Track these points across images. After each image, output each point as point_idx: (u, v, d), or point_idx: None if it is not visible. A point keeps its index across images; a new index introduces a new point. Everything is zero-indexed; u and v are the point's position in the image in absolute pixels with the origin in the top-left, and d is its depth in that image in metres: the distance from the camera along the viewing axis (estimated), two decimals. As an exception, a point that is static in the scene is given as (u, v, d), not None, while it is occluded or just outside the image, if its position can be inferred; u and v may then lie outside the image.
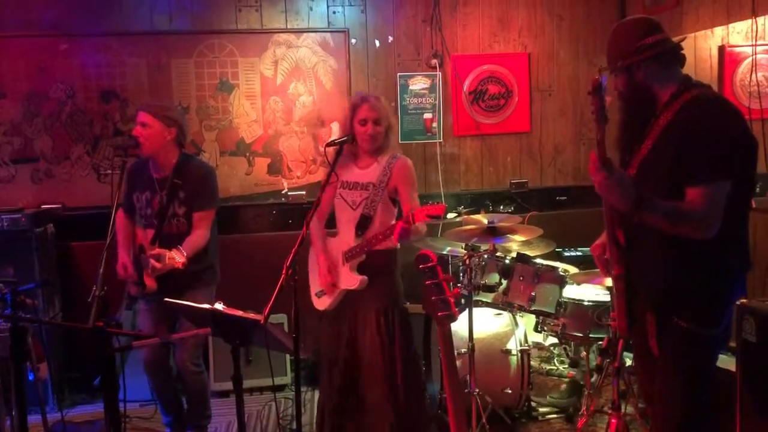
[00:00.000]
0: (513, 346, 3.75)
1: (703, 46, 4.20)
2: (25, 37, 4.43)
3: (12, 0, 4.39)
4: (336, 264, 3.13)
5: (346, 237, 3.12)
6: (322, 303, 3.19)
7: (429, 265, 2.11)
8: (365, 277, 3.04)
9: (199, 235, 3.38)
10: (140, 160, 3.50)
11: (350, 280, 3.06)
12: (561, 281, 3.76)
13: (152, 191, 3.43)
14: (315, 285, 3.22)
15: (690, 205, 2.13)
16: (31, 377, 3.12)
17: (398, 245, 3.12)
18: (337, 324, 3.17)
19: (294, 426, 3.66)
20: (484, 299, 3.92)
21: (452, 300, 2.10)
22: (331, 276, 3.11)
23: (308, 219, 2.71)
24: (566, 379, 4.23)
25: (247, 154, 4.75)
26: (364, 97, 3.13)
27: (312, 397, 4.31)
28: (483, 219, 3.91)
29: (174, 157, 3.44)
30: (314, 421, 3.65)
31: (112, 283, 3.28)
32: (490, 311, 3.94)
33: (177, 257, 3.14)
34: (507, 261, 3.88)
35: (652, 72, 2.28)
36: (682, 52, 2.33)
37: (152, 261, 3.15)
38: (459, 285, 3.70)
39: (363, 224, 3.05)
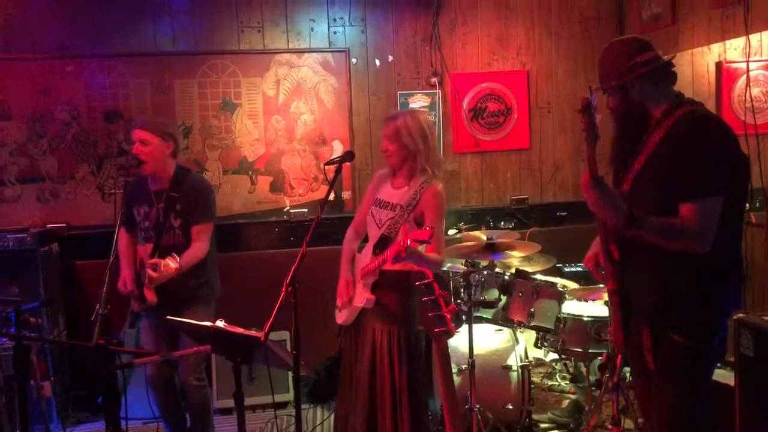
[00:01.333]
0: (513, 361, 3.76)
1: (701, 62, 4.25)
2: (31, 59, 4.50)
3: (18, 23, 4.47)
4: (356, 280, 3.15)
5: (366, 255, 3.13)
6: (340, 317, 3.22)
7: (425, 282, 2.15)
8: (373, 297, 3.04)
9: (198, 248, 3.40)
10: (140, 176, 3.52)
11: (360, 297, 3.08)
12: (560, 297, 3.78)
13: (149, 204, 3.47)
14: (339, 299, 3.25)
15: (683, 221, 2.17)
16: (34, 396, 3.15)
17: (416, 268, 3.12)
18: (353, 339, 3.19)
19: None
20: (484, 315, 3.94)
21: (448, 316, 2.13)
22: (347, 292, 3.14)
23: (307, 238, 2.74)
24: (568, 395, 4.24)
25: (250, 173, 4.80)
26: (392, 115, 3.13)
27: (314, 415, 4.32)
28: (482, 235, 3.94)
29: (171, 169, 3.47)
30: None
31: (116, 301, 3.33)
32: (491, 327, 3.95)
33: (171, 263, 3.16)
34: (506, 277, 3.90)
35: (645, 89, 2.31)
36: (674, 69, 2.38)
37: (149, 271, 3.18)
38: (459, 301, 3.72)
39: (381, 244, 3.03)
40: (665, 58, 2.37)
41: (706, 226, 2.15)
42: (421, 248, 2.90)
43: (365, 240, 3.25)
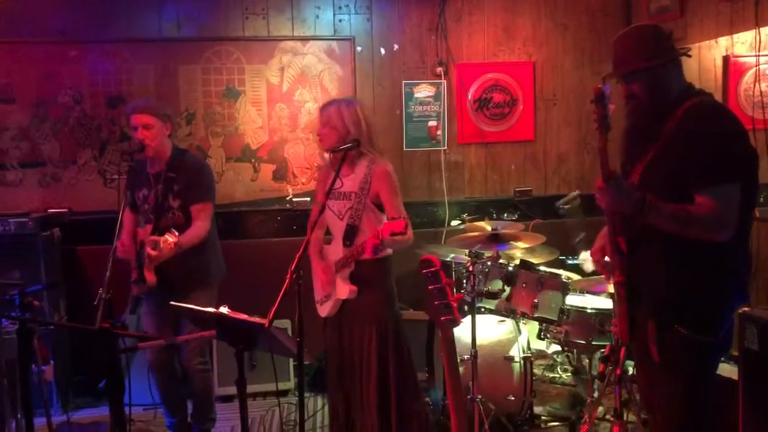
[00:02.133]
0: (516, 353, 3.76)
1: (708, 56, 4.22)
2: (35, 43, 4.48)
3: (22, 7, 4.44)
4: (332, 273, 3.16)
5: (336, 247, 3.16)
6: (323, 310, 3.23)
7: (432, 270, 2.13)
8: (355, 288, 3.07)
9: (199, 227, 3.39)
10: (139, 160, 3.50)
11: (342, 290, 3.09)
12: (564, 288, 3.77)
13: (148, 187, 3.47)
14: (318, 292, 3.25)
15: (700, 208, 2.14)
16: (35, 381, 3.14)
17: (390, 252, 3.14)
18: (338, 331, 3.20)
19: (297, 431, 3.68)
20: (487, 306, 3.93)
21: (455, 305, 2.11)
22: (327, 276, 3.16)
23: (311, 223, 2.74)
24: (569, 388, 4.24)
25: (253, 161, 4.79)
26: (329, 101, 3.22)
27: (315, 403, 4.32)
28: (486, 226, 3.93)
29: (168, 151, 3.48)
30: (326, 423, 3.67)
31: (118, 286, 3.31)
32: (494, 318, 3.94)
33: (170, 238, 3.14)
34: (510, 268, 3.88)
35: (674, 75, 2.30)
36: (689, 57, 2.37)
37: (148, 249, 3.17)
38: (462, 291, 3.71)
39: (350, 234, 3.07)
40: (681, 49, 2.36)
41: (724, 213, 2.13)
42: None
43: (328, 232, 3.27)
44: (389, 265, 3.18)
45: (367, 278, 3.09)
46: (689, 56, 2.36)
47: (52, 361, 3.44)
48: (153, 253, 3.16)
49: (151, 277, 3.32)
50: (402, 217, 2.94)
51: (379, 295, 3.12)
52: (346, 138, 3.06)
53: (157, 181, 3.45)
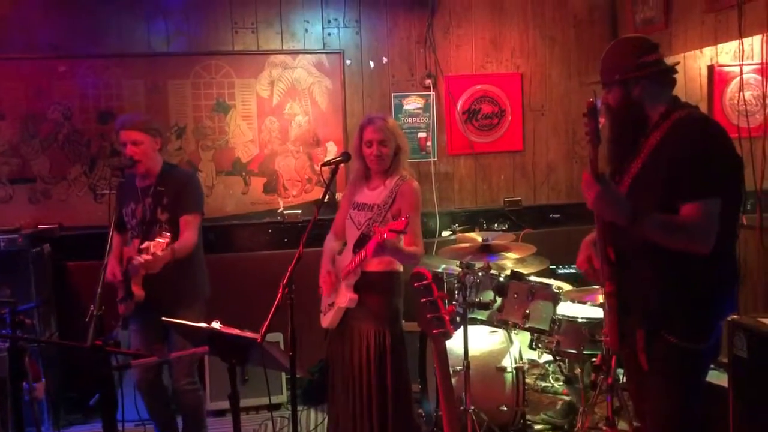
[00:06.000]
0: (508, 363, 3.77)
1: (693, 65, 4.27)
2: (24, 59, 4.48)
3: (12, 22, 4.44)
4: (338, 281, 3.16)
5: (347, 255, 3.15)
6: (325, 320, 3.22)
7: (424, 283, 2.15)
8: (355, 296, 3.06)
9: (187, 238, 3.36)
10: (128, 175, 3.48)
11: (343, 297, 3.09)
12: (555, 298, 3.78)
13: (136, 201, 3.46)
14: (323, 302, 3.26)
15: (686, 219, 2.17)
16: (26, 398, 3.12)
17: (400, 268, 3.13)
18: (339, 342, 3.19)
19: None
20: (479, 317, 3.95)
21: (447, 317, 2.13)
22: (330, 279, 3.16)
23: (303, 239, 2.74)
24: (561, 397, 4.25)
25: (243, 174, 4.79)
26: (370, 119, 3.13)
27: (308, 416, 4.31)
28: (477, 237, 3.95)
29: (158, 165, 3.48)
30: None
31: (109, 302, 3.30)
32: (485, 329, 3.96)
33: (160, 240, 3.09)
34: (501, 279, 3.90)
35: (647, 90, 2.32)
36: (675, 75, 2.40)
37: (140, 257, 3.06)
38: (454, 303, 3.72)
39: (361, 242, 3.05)
40: (669, 62, 2.39)
41: (708, 224, 2.16)
42: None
43: (345, 244, 3.27)
44: (396, 281, 3.15)
45: (372, 289, 3.07)
46: (673, 73, 2.39)
47: (43, 379, 3.42)
48: (146, 257, 3.04)
49: (138, 291, 3.29)
50: (414, 233, 2.99)
51: (381, 308, 3.09)
52: (400, 153, 3.10)
53: (146, 195, 3.43)
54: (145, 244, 3.10)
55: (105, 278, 3.08)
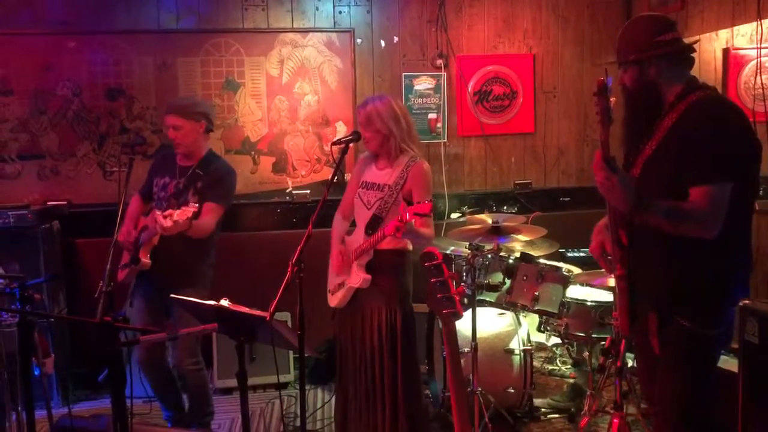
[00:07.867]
0: (516, 345, 3.77)
1: (708, 48, 4.21)
2: (33, 35, 4.45)
3: (20, -2, 4.42)
4: (349, 261, 3.15)
5: (358, 236, 3.14)
6: (333, 300, 3.21)
7: (434, 263, 2.13)
8: (369, 276, 3.06)
9: (206, 221, 3.35)
10: (171, 150, 3.56)
11: (356, 277, 3.08)
12: (565, 281, 3.77)
13: (172, 176, 3.49)
14: (331, 281, 3.25)
15: (692, 205, 2.14)
16: (36, 372, 3.13)
17: (410, 247, 3.13)
18: (349, 321, 3.18)
19: (297, 423, 3.69)
20: (487, 299, 3.93)
21: (457, 298, 2.11)
22: (341, 260, 3.15)
23: (313, 218, 2.73)
24: (569, 380, 4.25)
25: (253, 153, 4.77)
26: (363, 102, 3.14)
27: (315, 395, 4.33)
28: (487, 218, 3.93)
29: (203, 149, 3.54)
30: (326, 416, 3.68)
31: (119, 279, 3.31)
32: (494, 311, 3.95)
33: (186, 208, 3.03)
34: (511, 261, 3.89)
35: (663, 70, 2.28)
36: (693, 54, 2.35)
37: (161, 220, 2.99)
38: (463, 284, 3.71)
39: (373, 224, 3.06)
40: (687, 41, 2.34)
41: (714, 211, 2.12)
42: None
43: (353, 224, 3.26)
44: (407, 261, 3.15)
45: (384, 269, 3.07)
46: (691, 52, 2.34)
47: (52, 354, 3.44)
48: (168, 223, 2.98)
49: (146, 259, 3.32)
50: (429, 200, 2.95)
51: (392, 287, 3.09)
52: (390, 136, 3.06)
53: (183, 174, 3.47)
54: (169, 211, 3.05)
55: (117, 237, 3.10)
